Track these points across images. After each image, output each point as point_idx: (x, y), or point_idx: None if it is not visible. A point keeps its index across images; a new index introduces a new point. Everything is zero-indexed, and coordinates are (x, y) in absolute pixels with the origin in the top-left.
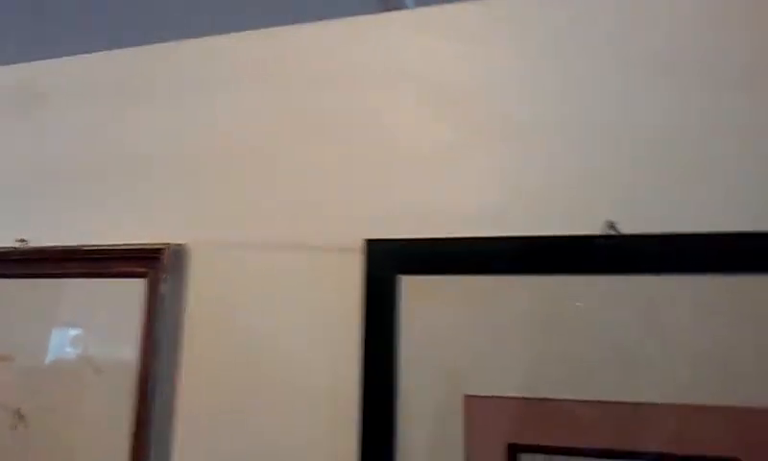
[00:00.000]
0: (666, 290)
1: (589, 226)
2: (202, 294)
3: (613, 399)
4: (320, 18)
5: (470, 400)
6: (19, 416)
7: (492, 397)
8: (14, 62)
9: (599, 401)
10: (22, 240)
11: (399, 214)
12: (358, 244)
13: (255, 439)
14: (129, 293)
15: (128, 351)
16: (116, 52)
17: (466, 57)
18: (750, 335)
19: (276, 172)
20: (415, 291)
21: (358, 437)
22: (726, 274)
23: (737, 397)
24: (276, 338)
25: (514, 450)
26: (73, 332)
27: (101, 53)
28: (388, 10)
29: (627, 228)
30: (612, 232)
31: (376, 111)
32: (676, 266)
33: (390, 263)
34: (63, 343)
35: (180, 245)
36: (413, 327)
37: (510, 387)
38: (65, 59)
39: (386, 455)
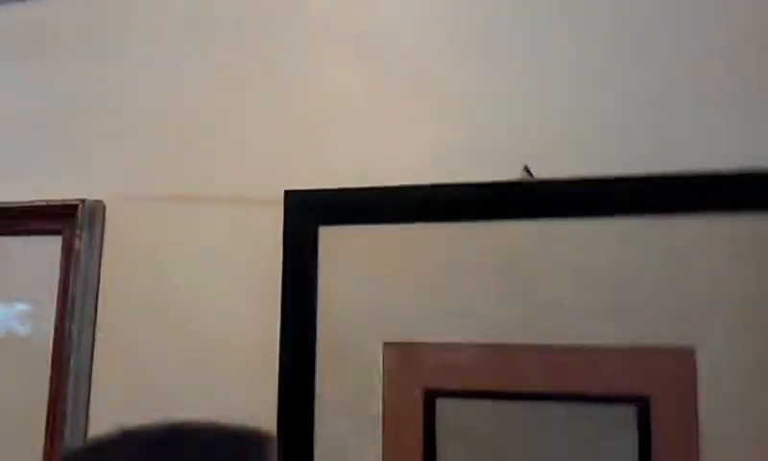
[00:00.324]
0: (581, 233)
1: (510, 172)
2: (119, 251)
3: (528, 342)
4: None
5: (389, 347)
6: None
7: (411, 344)
8: None
9: (513, 345)
10: None
11: (322, 166)
12: (280, 196)
13: (175, 398)
14: (44, 251)
15: (43, 310)
16: (23, 3)
17: (390, 4)
18: (664, 277)
19: (195, 125)
20: (335, 242)
21: (277, 390)
22: (641, 216)
23: (648, 337)
24: (195, 294)
25: (431, 396)
26: None
27: (6, 4)
28: None
29: (545, 173)
30: (530, 178)
31: (298, 61)
32: (592, 210)
33: (310, 215)
34: None
35: (96, 201)
36: (333, 277)
37: (428, 334)
38: None
39: (305, 407)
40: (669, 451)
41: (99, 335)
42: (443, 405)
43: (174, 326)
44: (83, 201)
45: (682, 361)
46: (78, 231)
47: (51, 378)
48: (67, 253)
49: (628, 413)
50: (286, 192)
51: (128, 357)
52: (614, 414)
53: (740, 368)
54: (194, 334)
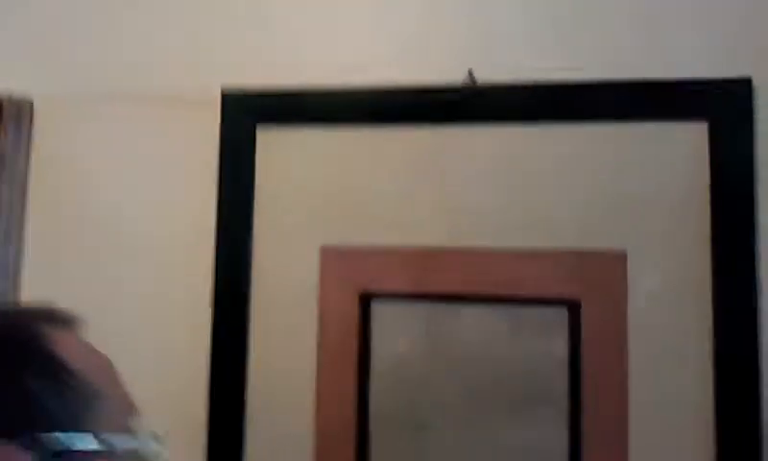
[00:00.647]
0: (518, 138)
1: (455, 75)
2: (48, 152)
3: (463, 245)
4: None
5: (326, 250)
6: None
7: (348, 247)
8: None
9: (448, 249)
10: None
11: (261, 63)
12: (216, 95)
13: (105, 294)
14: None
15: None
16: None
17: None
18: (599, 182)
19: (129, 19)
20: (274, 145)
21: (211, 293)
22: (576, 123)
23: (582, 241)
24: (126, 197)
25: (366, 299)
26: None
27: None
28: None
29: (489, 76)
30: (472, 83)
31: None
32: (528, 116)
33: (248, 115)
34: None
35: (22, 98)
36: (271, 180)
37: (364, 237)
38: None
39: (239, 311)
40: (598, 353)
41: (26, 244)
42: (378, 308)
43: (104, 228)
44: (7, 96)
45: (614, 265)
46: (2, 128)
47: None
48: None
49: (559, 316)
50: (223, 92)
51: (57, 256)
52: (546, 316)
53: (670, 272)
54: (124, 236)
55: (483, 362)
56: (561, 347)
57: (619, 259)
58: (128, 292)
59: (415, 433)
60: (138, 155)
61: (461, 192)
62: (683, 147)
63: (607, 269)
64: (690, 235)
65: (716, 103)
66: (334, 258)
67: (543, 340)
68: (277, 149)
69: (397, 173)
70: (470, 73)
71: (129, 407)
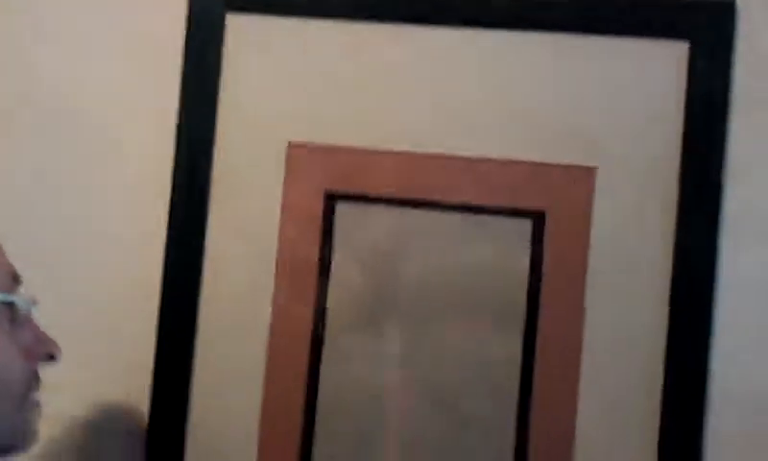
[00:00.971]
0: (494, 44)
1: None
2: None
3: (430, 151)
4: None
5: (293, 147)
6: None
7: (315, 145)
8: None
9: (418, 154)
10: None
11: None
12: None
13: (61, 195)
14: None
15: None
16: None
17: None
18: (576, 96)
19: None
20: (244, 32)
21: (170, 188)
22: (553, 32)
23: (548, 153)
24: (84, 83)
25: (331, 199)
26: None
27: None
28: None
29: None
30: None
31: None
32: (505, 23)
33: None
34: None
35: None
36: (239, 71)
37: (333, 136)
38: None
39: (198, 205)
40: (559, 267)
41: None
42: (342, 209)
43: (58, 117)
44: None
45: (582, 179)
46: None
47: None
48: None
49: (523, 227)
50: None
51: (10, 162)
52: (510, 227)
53: (638, 191)
54: (82, 128)
55: (444, 270)
56: (522, 259)
57: (588, 174)
58: (81, 182)
59: (370, 338)
60: (99, 39)
61: (433, 96)
62: (661, 66)
63: (575, 183)
64: (661, 155)
65: (699, 24)
66: (301, 156)
67: (505, 251)
68: (247, 38)
69: (371, 71)
70: None
71: (9, 272)
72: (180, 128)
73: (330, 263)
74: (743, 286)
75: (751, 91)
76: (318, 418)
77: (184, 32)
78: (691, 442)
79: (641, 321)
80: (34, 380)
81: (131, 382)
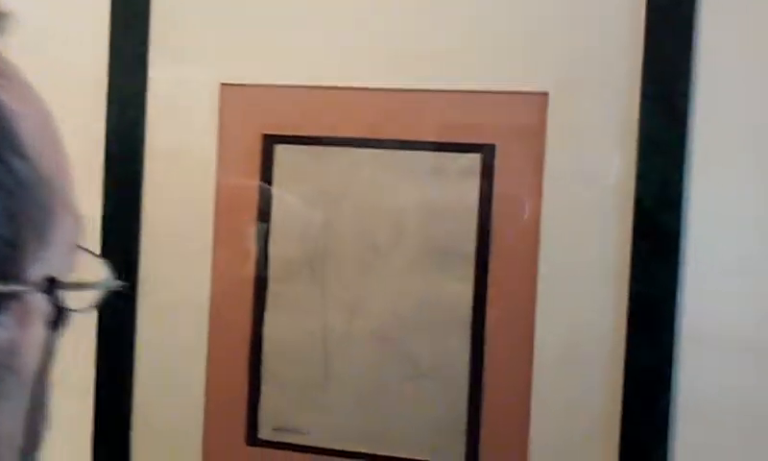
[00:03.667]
0: None
1: None
2: None
3: (371, 85)
4: None
5: (227, 88)
6: None
7: (251, 85)
8: None
9: (357, 89)
10: None
11: None
12: None
13: None
14: None
15: None
16: None
17: None
18: (523, 18)
19: None
20: None
21: (103, 135)
22: None
23: (499, 81)
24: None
25: (270, 141)
26: None
27: None
28: None
29: None
30: None
31: None
32: None
33: None
34: None
35: None
36: (168, 9)
37: (269, 76)
38: None
39: (132, 153)
40: (511, 204)
41: None
42: (281, 152)
43: None
44: None
45: (533, 107)
46: None
47: None
48: None
49: (472, 162)
50: None
51: None
52: (458, 163)
53: (594, 117)
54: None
55: (389, 209)
56: (471, 195)
57: (539, 101)
58: None
59: (315, 282)
60: None
61: (373, 28)
62: None
63: (526, 112)
64: (620, 78)
65: None
66: (236, 97)
67: (453, 188)
68: None
69: (307, 6)
70: None
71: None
72: (111, 73)
73: (270, 208)
74: (713, 199)
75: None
76: (264, 364)
77: None
78: (656, 356)
79: (599, 252)
80: None
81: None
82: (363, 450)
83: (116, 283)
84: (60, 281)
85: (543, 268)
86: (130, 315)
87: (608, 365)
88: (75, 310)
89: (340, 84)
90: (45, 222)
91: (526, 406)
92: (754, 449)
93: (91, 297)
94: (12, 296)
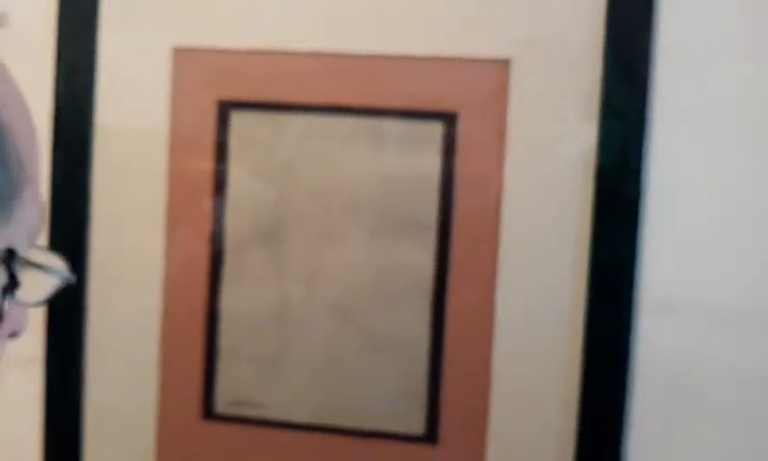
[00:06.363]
0: None
1: None
2: None
3: (329, 50)
4: None
5: (180, 53)
6: None
7: (205, 49)
8: None
9: (315, 54)
10: None
11: None
12: None
13: None
14: None
15: None
16: None
17: None
18: None
19: None
20: None
21: (51, 105)
22: None
23: (459, 46)
24: None
25: (225, 107)
26: None
27: None
28: None
29: None
30: None
31: None
32: None
33: None
34: None
35: None
36: None
37: (224, 39)
38: None
39: (81, 122)
40: (473, 172)
41: None
42: (237, 119)
43: None
44: None
45: (495, 74)
46: None
47: None
48: None
49: (433, 130)
50: None
51: None
52: (418, 131)
53: (557, 83)
54: None
55: (348, 179)
56: (432, 164)
57: (501, 68)
58: None
59: (272, 253)
60: None
61: None
62: None
63: (487, 79)
64: (583, 42)
65: None
66: (189, 62)
67: (414, 157)
68: None
69: None
70: None
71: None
72: (60, 37)
73: (226, 177)
74: (674, 167)
75: None
76: (220, 338)
77: None
78: (616, 325)
79: (561, 220)
80: None
81: None
82: (321, 423)
83: (70, 276)
84: (18, 255)
85: (505, 238)
86: (80, 290)
87: (568, 334)
88: (28, 304)
89: (297, 49)
90: (12, 197)
91: (487, 376)
92: (713, 418)
93: (44, 289)
94: None
